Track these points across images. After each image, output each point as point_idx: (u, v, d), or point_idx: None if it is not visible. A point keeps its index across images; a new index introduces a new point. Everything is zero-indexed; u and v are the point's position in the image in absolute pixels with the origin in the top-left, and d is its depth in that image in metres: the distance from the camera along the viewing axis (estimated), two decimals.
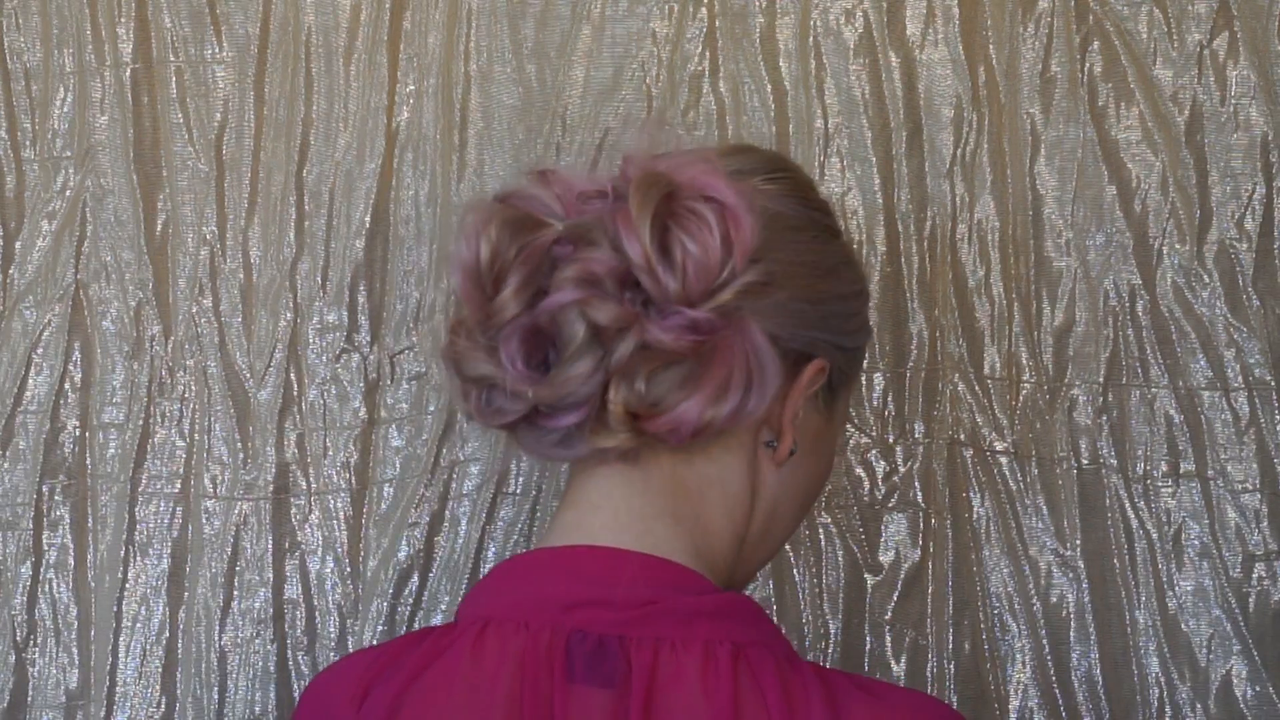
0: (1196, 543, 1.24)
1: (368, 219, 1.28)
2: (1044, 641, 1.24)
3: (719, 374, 0.78)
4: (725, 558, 0.86)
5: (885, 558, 1.26)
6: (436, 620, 1.25)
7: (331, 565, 1.26)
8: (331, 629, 1.25)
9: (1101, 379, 1.26)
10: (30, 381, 1.27)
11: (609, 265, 0.77)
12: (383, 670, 0.83)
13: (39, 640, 1.25)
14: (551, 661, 0.78)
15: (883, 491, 1.27)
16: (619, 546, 0.82)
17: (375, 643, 1.24)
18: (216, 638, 1.25)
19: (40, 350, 1.27)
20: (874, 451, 1.27)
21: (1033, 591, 1.24)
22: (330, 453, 1.27)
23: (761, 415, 0.82)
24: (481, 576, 1.25)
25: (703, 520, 0.84)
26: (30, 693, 1.25)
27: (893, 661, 1.25)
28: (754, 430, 0.84)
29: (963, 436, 1.26)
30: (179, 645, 1.25)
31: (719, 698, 0.76)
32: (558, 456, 0.83)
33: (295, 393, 1.27)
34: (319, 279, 1.28)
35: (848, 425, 1.27)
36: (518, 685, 0.78)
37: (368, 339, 1.27)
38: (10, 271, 1.28)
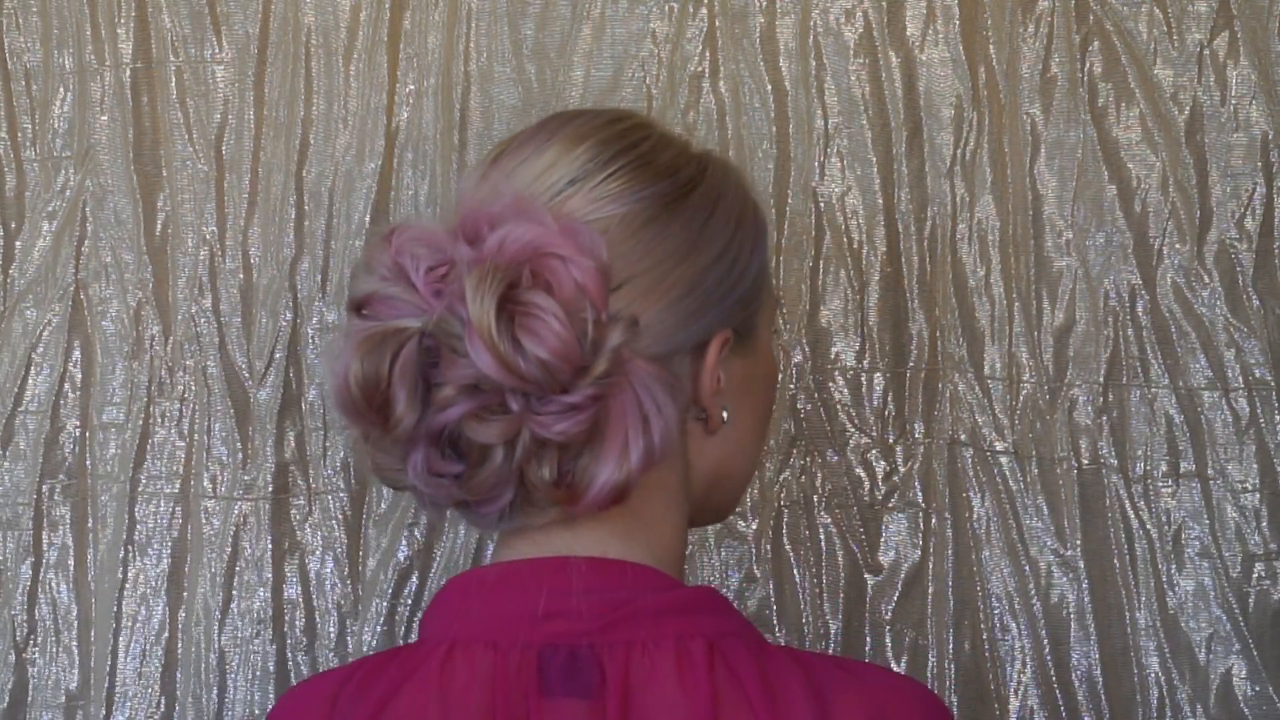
0: (1196, 543, 1.24)
1: (367, 219, 1.28)
2: (1044, 641, 1.24)
3: (617, 433, 0.77)
4: (681, 543, 0.86)
5: (885, 558, 1.26)
6: None
7: (331, 565, 1.26)
8: (331, 629, 1.25)
9: (1101, 379, 1.26)
10: (30, 381, 1.27)
11: (479, 372, 0.76)
12: (352, 693, 0.82)
13: (39, 640, 1.25)
14: (524, 677, 0.78)
15: (883, 491, 1.27)
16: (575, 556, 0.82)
17: (375, 643, 1.25)
18: (216, 638, 1.25)
19: (40, 350, 1.27)
20: (874, 451, 1.27)
21: (1033, 591, 1.24)
22: (330, 453, 1.27)
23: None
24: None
25: (654, 528, 0.84)
26: (30, 692, 1.25)
27: (893, 661, 1.25)
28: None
29: (963, 436, 1.26)
30: (178, 645, 1.25)
31: (697, 693, 0.76)
32: (503, 529, 0.84)
33: (295, 393, 1.27)
34: (319, 279, 1.28)
35: (846, 424, 1.27)
36: (490, 702, 0.78)
37: None
38: (10, 271, 1.28)
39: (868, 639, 1.25)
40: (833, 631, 1.25)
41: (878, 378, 1.27)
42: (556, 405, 0.76)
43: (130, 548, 1.26)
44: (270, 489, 1.26)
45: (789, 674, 0.78)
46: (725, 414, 0.85)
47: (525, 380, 0.75)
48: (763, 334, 0.90)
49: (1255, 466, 1.24)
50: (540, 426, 0.76)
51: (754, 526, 1.26)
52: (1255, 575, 1.23)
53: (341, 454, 1.27)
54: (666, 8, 1.29)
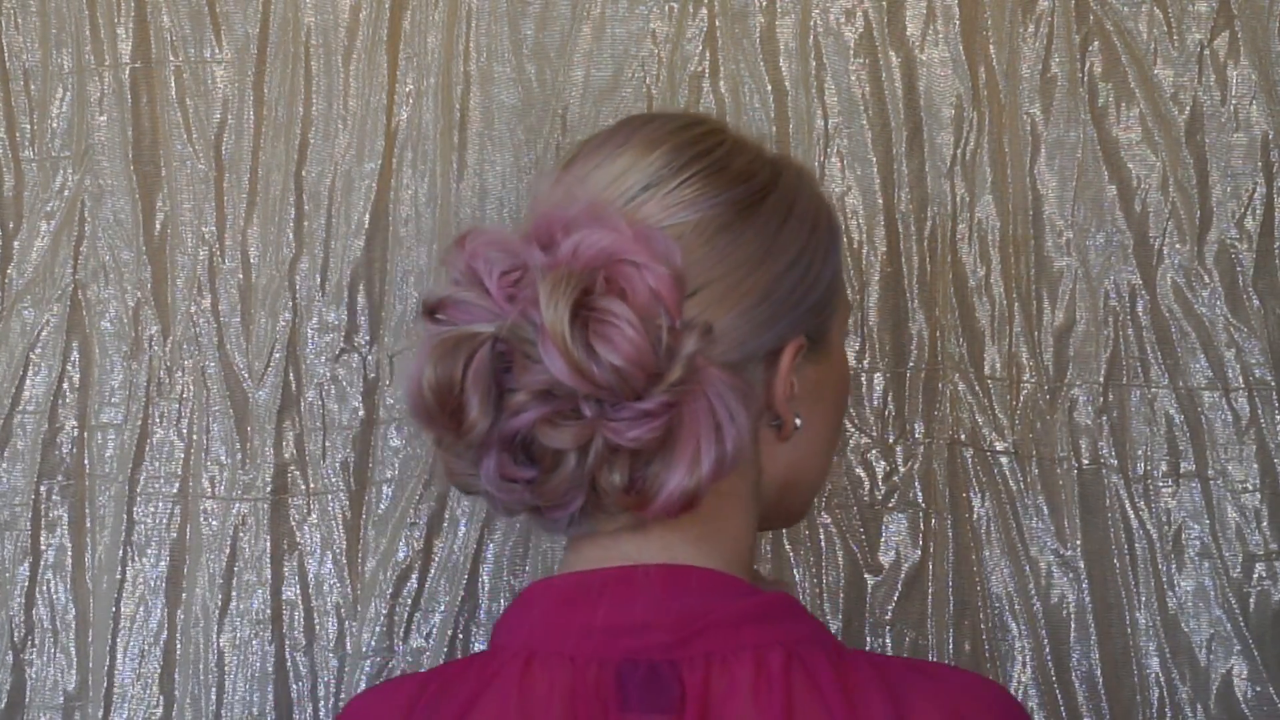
0: (1197, 543, 1.24)
1: (367, 219, 1.28)
2: (1044, 641, 1.24)
3: (689, 440, 0.76)
4: (751, 547, 0.85)
5: (885, 558, 1.26)
6: (435, 621, 1.25)
7: (330, 566, 1.26)
8: (330, 630, 1.25)
9: (1101, 379, 1.26)
10: (28, 381, 1.27)
11: (553, 378, 0.75)
12: (428, 703, 0.82)
13: (37, 641, 1.25)
14: (603, 694, 0.77)
15: (883, 491, 1.26)
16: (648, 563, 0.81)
17: (374, 644, 1.24)
18: (215, 638, 1.25)
19: (38, 350, 1.27)
20: (874, 451, 1.27)
21: (1033, 591, 1.24)
22: (329, 453, 1.27)
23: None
24: (482, 579, 1.25)
25: (725, 534, 0.83)
26: (28, 693, 1.25)
27: None
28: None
29: (963, 436, 1.26)
30: (177, 646, 1.25)
31: (771, 706, 0.76)
32: (572, 534, 0.83)
33: (294, 393, 1.27)
34: (318, 279, 1.27)
35: (847, 425, 1.27)
36: (570, 718, 0.77)
37: (367, 339, 1.27)
38: (9, 271, 1.28)
39: (868, 639, 1.25)
40: (833, 631, 1.25)
41: (878, 378, 1.27)
42: (630, 412, 0.75)
43: (129, 548, 1.26)
44: (269, 489, 1.26)
45: (866, 679, 0.77)
46: (798, 420, 0.84)
47: (599, 386, 0.75)
48: (835, 340, 0.90)
49: (1255, 466, 1.24)
50: (613, 433, 0.75)
51: None
52: (1256, 575, 1.23)
53: (341, 454, 1.26)
54: (666, 8, 1.29)
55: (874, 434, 1.27)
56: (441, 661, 1.24)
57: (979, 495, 1.25)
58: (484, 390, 0.77)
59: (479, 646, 1.25)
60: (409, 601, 1.25)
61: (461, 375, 0.77)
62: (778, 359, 0.83)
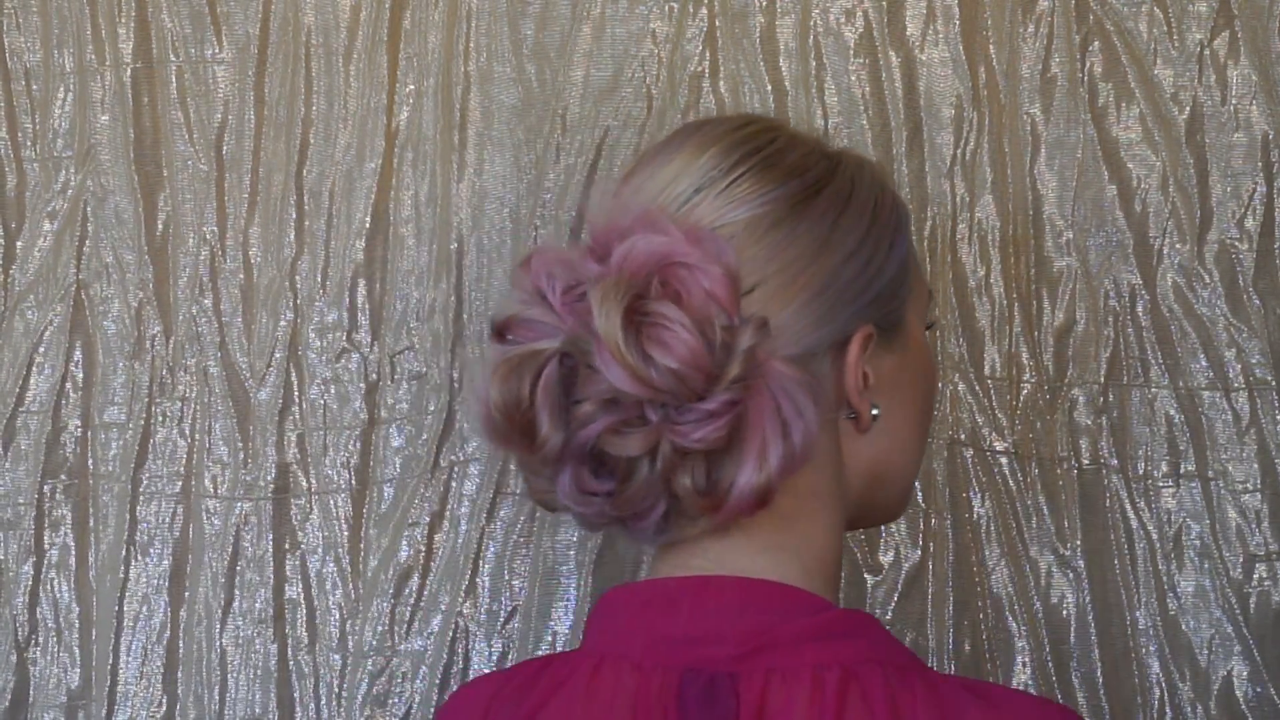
0: (1197, 543, 1.24)
1: (368, 219, 1.28)
2: (1044, 641, 1.24)
3: (755, 436, 0.76)
4: (834, 549, 0.85)
5: (885, 558, 1.26)
6: (436, 621, 1.25)
7: (332, 565, 1.26)
8: (332, 629, 1.26)
9: (1101, 379, 1.25)
10: (32, 381, 1.28)
11: (614, 385, 0.76)
12: (505, 702, 0.83)
13: (40, 640, 1.26)
14: (665, 703, 0.78)
15: None
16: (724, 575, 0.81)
17: (375, 643, 1.25)
18: (217, 637, 1.25)
19: (42, 350, 1.28)
20: None
21: (1033, 591, 1.24)
22: (330, 453, 1.27)
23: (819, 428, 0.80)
24: (483, 579, 1.26)
25: (807, 536, 0.83)
26: (32, 692, 1.25)
27: None
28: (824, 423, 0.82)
29: (963, 436, 1.26)
30: (180, 645, 1.25)
31: None
32: (659, 543, 0.83)
33: (295, 393, 1.27)
34: (319, 279, 1.28)
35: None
36: None
37: (368, 339, 1.28)
38: (11, 271, 1.28)
39: None
40: None
41: None
42: (694, 414, 0.75)
43: (131, 547, 1.26)
44: (271, 489, 1.26)
45: (920, 701, 0.77)
46: (875, 411, 0.84)
47: (659, 391, 0.75)
48: (913, 327, 0.88)
49: (1256, 466, 1.24)
50: (679, 436, 0.75)
51: None
52: (1256, 576, 1.23)
53: (342, 454, 1.27)
54: (666, 8, 1.29)
55: None
56: (443, 661, 1.25)
57: (979, 495, 1.25)
58: (553, 405, 0.77)
59: (480, 646, 1.25)
60: (411, 601, 1.26)
61: (530, 392, 0.77)
62: (845, 350, 0.82)
